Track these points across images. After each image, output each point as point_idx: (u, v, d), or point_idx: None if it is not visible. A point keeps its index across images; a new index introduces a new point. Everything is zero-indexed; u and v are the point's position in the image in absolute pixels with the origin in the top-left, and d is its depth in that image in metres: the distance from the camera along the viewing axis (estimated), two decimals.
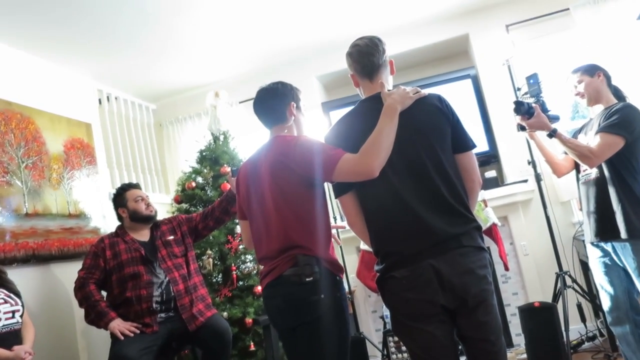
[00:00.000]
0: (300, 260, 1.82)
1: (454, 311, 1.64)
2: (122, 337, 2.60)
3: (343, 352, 1.87)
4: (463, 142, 1.76)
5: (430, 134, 1.71)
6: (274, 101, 2.02)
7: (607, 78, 2.51)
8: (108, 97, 4.37)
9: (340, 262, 3.89)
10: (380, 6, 3.84)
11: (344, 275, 3.79)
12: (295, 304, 1.84)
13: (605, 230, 2.37)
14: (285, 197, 1.87)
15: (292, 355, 1.96)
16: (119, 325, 2.65)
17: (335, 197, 1.83)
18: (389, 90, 1.78)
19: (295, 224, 1.86)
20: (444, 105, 1.75)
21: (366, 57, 1.80)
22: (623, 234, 2.28)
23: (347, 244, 4.06)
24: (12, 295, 2.37)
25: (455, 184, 1.69)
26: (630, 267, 2.30)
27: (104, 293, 2.88)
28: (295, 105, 2.03)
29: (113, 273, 2.82)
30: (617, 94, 2.54)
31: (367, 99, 1.84)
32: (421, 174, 1.67)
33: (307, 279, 1.80)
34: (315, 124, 4.02)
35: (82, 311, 2.82)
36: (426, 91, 1.81)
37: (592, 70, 2.50)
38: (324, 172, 1.77)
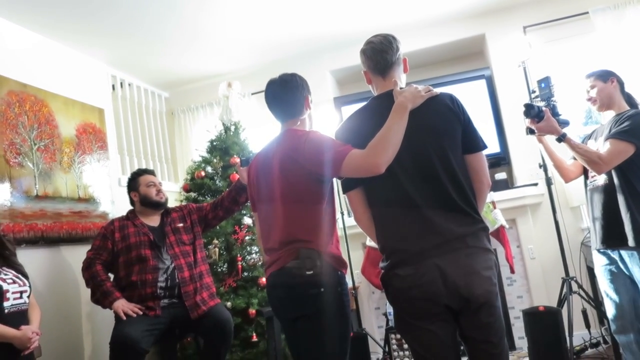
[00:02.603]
0: (302, 253, 1.84)
1: (458, 311, 1.64)
2: (125, 317, 2.63)
3: (343, 346, 1.89)
4: (473, 143, 1.75)
5: (441, 134, 1.70)
6: (291, 93, 1.99)
7: (621, 84, 2.49)
8: (122, 83, 4.39)
9: (346, 258, 3.90)
10: (397, 2, 3.81)
11: (348, 271, 3.81)
12: (296, 296, 1.87)
13: (612, 237, 2.36)
14: (292, 191, 1.89)
15: (293, 347, 1.98)
16: (122, 305, 2.69)
17: (344, 193, 1.83)
18: (400, 88, 1.78)
19: (301, 218, 1.88)
20: (455, 105, 1.74)
21: (379, 54, 1.80)
22: (631, 242, 2.26)
23: (353, 240, 4.06)
24: (20, 276, 2.40)
25: (464, 185, 1.68)
26: (636, 276, 2.29)
27: (111, 275, 2.91)
28: (309, 97, 2.04)
29: (120, 255, 2.86)
30: (630, 101, 2.51)
31: (378, 96, 1.83)
32: (429, 173, 1.67)
33: (308, 272, 1.82)
34: (327, 118, 4.02)
35: (88, 294, 2.86)
36: (439, 90, 1.81)
37: (605, 76, 2.48)
38: (332, 167, 1.77)
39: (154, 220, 3.02)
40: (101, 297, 2.77)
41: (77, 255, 3.08)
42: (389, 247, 1.71)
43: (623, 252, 2.33)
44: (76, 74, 3.79)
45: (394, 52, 1.80)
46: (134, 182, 3.06)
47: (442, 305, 1.61)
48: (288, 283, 1.88)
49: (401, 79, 1.85)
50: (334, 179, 1.90)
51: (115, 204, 3.74)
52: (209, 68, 4.57)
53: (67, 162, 3.45)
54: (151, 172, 3.14)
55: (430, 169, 1.67)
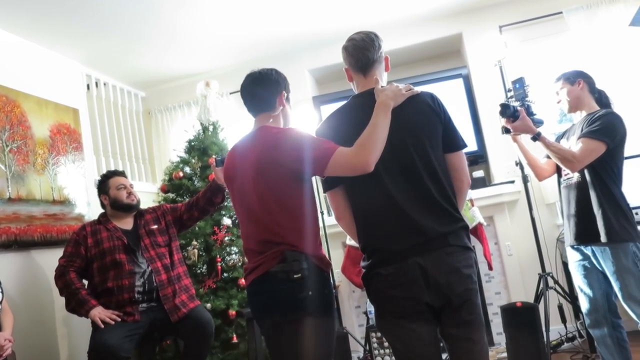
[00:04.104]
0: (288, 256, 1.76)
1: (439, 309, 1.64)
2: (102, 325, 2.58)
3: (329, 347, 1.85)
4: (454, 142, 1.77)
5: (421, 133, 1.71)
6: (264, 87, 1.92)
7: (589, 84, 2.53)
8: (97, 83, 4.31)
9: (326, 256, 3.88)
10: (375, 1, 3.82)
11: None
12: (283, 300, 1.78)
13: (585, 234, 2.40)
14: (272, 192, 1.81)
15: (277, 352, 1.90)
16: (99, 312, 2.63)
17: (324, 192, 1.83)
18: (382, 87, 1.78)
19: (283, 220, 1.80)
20: (436, 104, 1.75)
21: (361, 51, 1.79)
22: (603, 238, 2.31)
23: (333, 239, 4.07)
24: None
25: (444, 184, 1.70)
26: (609, 270, 2.34)
27: (85, 282, 2.85)
28: (286, 95, 1.96)
29: (94, 261, 2.79)
30: (601, 99, 2.56)
31: (359, 94, 1.83)
32: (411, 172, 1.67)
33: (295, 276, 1.74)
34: (306, 118, 4.01)
35: (63, 299, 2.79)
36: (418, 89, 1.81)
37: (572, 79, 2.53)
38: (317, 165, 1.72)
39: (127, 224, 2.96)
40: (77, 306, 2.70)
41: (51, 259, 3.00)
42: (370, 246, 1.71)
43: (595, 248, 2.38)
44: (50, 74, 3.71)
45: (375, 49, 1.80)
46: (104, 184, 2.98)
47: (423, 303, 1.62)
48: (274, 288, 1.79)
49: (382, 77, 1.85)
50: (314, 178, 1.88)
51: (91, 205, 3.67)
52: (187, 67, 4.51)
53: (41, 164, 3.37)
54: (121, 174, 3.06)
55: (412, 167, 1.67)
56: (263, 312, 1.87)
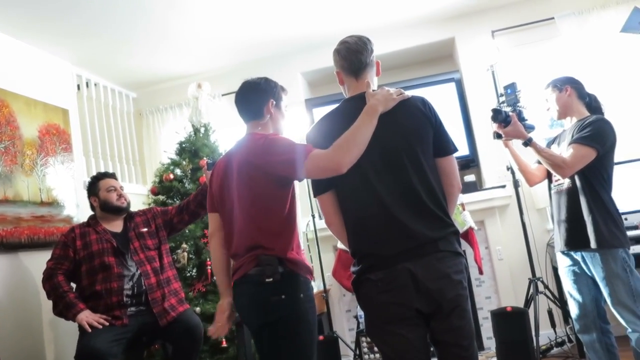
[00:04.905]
0: (262, 260, 1.83)
1: (429, 315, 1.64)
2: (90, 329, 2.54)
3: (307, 354, 1.87)
4: (445, 146, 1.76)
5: (412, 137, 1.70)
6: (253, 95, 2.01)
7: (578, 90, 2.54)
8: (87, 83, 4.28)
9: (317, 260, 3.89)
10: (368, 5, 3.83)
11: (319, 273, 3.81)
12: (258, 303, 1.86)
13: (575, 239, 2.41)
14: (251, 196, 1.89)
15: (261, 354, 1.96)
16: (87, 316, 2.59)
17: (314, 196, 1.82)
18: (373, 91, 1.77)
19: (260, 224, 1.87)
20: (427, 109, 1.75)
21: (354, 54, 1.79)
22: (593, 244, 2.32)
23: (324, 243, 4.05)
24: None
25: (435, 188, 1.69)
26: (598, 276, 2.35)
27: (73, 285, 2.81)
28: (274, 102, 2.02)
29: (83, 263, 2.76)
30: (592, 103, 2.57)
31: (351, 98, 1.83)
32: (401, 176, 1.67)
33: (267, 280, 1.81)
34: (298, 120, 4.00)
35: (50, 302, 2.75)
36: (410, 93, 1.81)
37: (560, 85, 2.54)
38: (294, 168, 1.77)
39: (116, 226, 2.92)
40: (64, 310, 2.66)
41: (39, 261, 2.96)
42: (360, 251, 1.71)
43: (585, 254, 2.39)
44: (39, 74, 3.67)
45: (368, 53, 1.80)
46: (94, 186, 2.94)
47: (413, 309, 1.62)
48: (250, 290, 1.88)
49: (373, 81, 1.85)
50: (298, 182, 1.90)
51: (80, 207, 3.63)
52: (179, 68, 4.49)
53: (29, 165, 3.33)
54: (111, 176, 3.03)
55: (402, 172, 1.67)
56: (245, 313, 1.97)
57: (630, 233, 2.86)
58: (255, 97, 2.01)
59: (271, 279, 1.81)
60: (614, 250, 2.30)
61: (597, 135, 2.35)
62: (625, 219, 2.74)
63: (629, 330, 2.30)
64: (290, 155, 1.79)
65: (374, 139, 1.69)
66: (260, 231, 1.87)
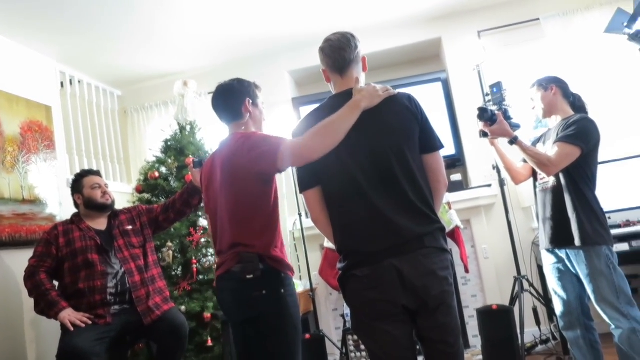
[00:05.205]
0: (243, 257, 1.89)
1: (414, 312, 1.63)
2: (72, 328, 2.50)
3: (291, 348, 1.92)
4: (431, 143, 1.76)
5: (398, 134, 1.70)
6: (228, 98, 2.07)
7: (563, 90, 2.57)
8: (71, 80, 4.22)
9: (303, 260, 3.89)
10: (355, 4, 3.83)
11: (306, 272, 3.80)
12: (239, 299, 1.93)
13: (560, 237, 2.43)
14: (233, 194, 1.95)
15: (242, 350, 2.00)
16: (69, 315, 2.55)
17: (300, 192, 1.81)
18: (360, 87, 1.77)
19: (242, 221, 1.93)
20: (413, 105, 1.75)
21: (337, 52, 1.79)
22: (577, 242, 2.34)
23: (311, 242, 4.04)
24: None
25: (421, 185, 1.69)
26: (582, 273, 2.37)
27: (56, 283, 2.77)
28: (250, 101, 2.07)
29: (65, 261, 2.71)
30: (576, 103, 2.60)
31: (337, 94, 1.82)
32: (387, 173, 1.66)
33: (248, 276, 1.87)
34: (285, 119, 3.99)
35: (31, 301, 2.70)
36: (396, 91, 1.81)
37: (545, 84, 2.57)
38: (269, 160, 1.82)
39: (100, 224, 2.88)
40: (46, 308, 2.62)
41: (20, 259, 2.91)
42: (346, 248, 1.70)
43: (570, 251, 2.42)
44: (22, 70, 3.61)
45: (352, 50, 1.79)
46: (78, 184, 2.91)
47: (399, 305, 1.61)
48: (232, 287, 1.94)
49: (360, 77, 1.84)
50: (284, 180, 1.92)
51: (63, 205, 3.58)
52: (165, 66, 4.45)
53: (11, 162, 3.27)
54: (96, 173, 2.99)
55: (388, 168, 1.66)
56: (227, 309, 2.04)
57: (614, 232, 2.90)
58: (232, 99, 2.06)
59: (252, 276, 1.87)
60: (598, 247, 2.32)
61: (582, 134, 2.37)
62: (609, 218, 2.77)
63: (612, 326, 2.33)
64: (264, 148, 1.84)
65: (360, 136, 1.68)
66: (243, 229, 1.93)
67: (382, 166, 1.67)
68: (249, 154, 1.88)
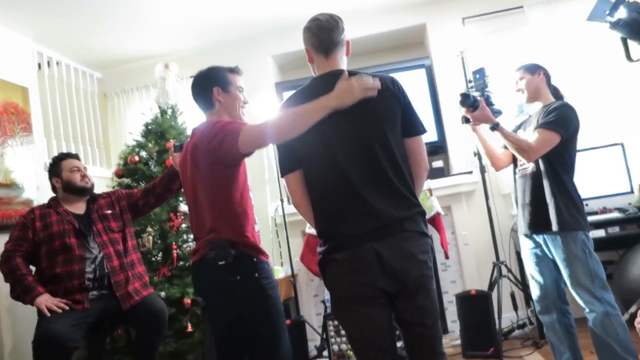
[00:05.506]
0: (214, 244, 1.93)
1: (394, 295, 1.64)
2: (49, 314, 2.46)
3: (274, 328, 1.96)
4: (413, 126, 1.76)
5: (381, 117, 1.69)
6: (199, 88, 2.11)
7: (547, 77, 2.60)
8: (49, 62, 4.12)
9: (285, 246, 3.89)
10: None
11: (287, 258, 3.79)
12: (215, 285, 1.96)
13: (538, 222, 2.46)
14: (202, 180, 1.99)
15: (225, 335, 2.02)
16: (46, 300, 2.50)
17: (282, 176, 1.80)
18: (345, 79, 1.71)
19: (211, 208, 1.97)
20: (395, 88, 1.74)
21: (326, 32, 1.77)
22: (554, 227, 2.37)
23: (293, 228, 4.04)
24: None
25: (402, 169, 1.69)
26: (559, 258, 2.40)
27: (33, 268, 2.72)
28: (219, 89, 2.08)
29: (42, 245, 2.66)
30: (556, 93, 2.63)
31: (320, 76, 1.81)
32: (369, 156, 1.66)
33: (220, 263, 1.90)
34: (268, 104, 3.95)
35: (6, 287, 2.65)
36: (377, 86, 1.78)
37: (533, 69, 2.58)
38: (231, 145, 1.86)
39: (79, 208, 2.83)
40: (22, 293, 2.57)
41: None
42: (326, 232, 1.70)
43: (547, 236, 2.45)
44: None
45: (339, 32, 1.78)
46: (56, 167, 2.84)
47: (378, 289, 1.62)
48: (206, 273, 1.97)
49: (343, 60, 1.83)
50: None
51: (40, 190, 3.50)
52: (146, 48, 4.37)
53: None
54: (75, 156, 2.94)
55: (370, 151, 1.66)
56: (204, 295, 2.07)
57: (590, 218, 2.95)
58: (202, 89, 2.10)
59: (224, 262, 1.89)
60: (575, 232, 2.36)
61: (562, 121, 2.39)
62: (586, 205, 2.81)
63: (587, 310, 2.37)
64: (226, 132, 1.89)
65: (342, 119, 1.67)
66: (214, 214, 1.96)
67: (363, 149, 1.66)
68: (213, 139, 1.91)
